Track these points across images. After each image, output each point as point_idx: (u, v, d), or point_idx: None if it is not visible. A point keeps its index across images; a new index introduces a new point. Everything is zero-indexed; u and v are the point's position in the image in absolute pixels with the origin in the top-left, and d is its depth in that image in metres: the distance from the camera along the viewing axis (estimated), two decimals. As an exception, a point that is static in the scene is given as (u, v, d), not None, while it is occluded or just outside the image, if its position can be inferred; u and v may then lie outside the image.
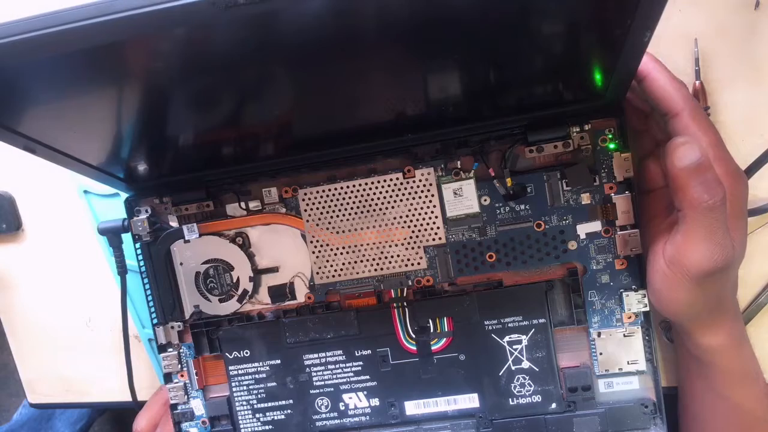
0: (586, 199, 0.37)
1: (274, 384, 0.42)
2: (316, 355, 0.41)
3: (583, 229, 0.38)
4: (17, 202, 0.49)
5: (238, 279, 0.41)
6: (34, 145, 0.33)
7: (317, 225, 0.40)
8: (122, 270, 0.43)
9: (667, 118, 0.32)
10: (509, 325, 0.39)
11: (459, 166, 0.38)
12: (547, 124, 0.36)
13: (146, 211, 0.41)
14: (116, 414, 0.99)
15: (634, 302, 0.37)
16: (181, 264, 0.42)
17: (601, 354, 0.38)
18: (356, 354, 0.41)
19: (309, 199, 0.39)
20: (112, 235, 0.42)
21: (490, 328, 0.39)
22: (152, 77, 0.31)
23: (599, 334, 0.38)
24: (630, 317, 0.38)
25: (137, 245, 0.42)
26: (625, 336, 0.38)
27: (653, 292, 0.35)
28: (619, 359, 0.38)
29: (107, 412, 0.95)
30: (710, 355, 0.35)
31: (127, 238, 0.42)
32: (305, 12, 0.26)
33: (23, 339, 0.51)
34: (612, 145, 0.36)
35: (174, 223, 0.41)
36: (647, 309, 0.37)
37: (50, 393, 0.52)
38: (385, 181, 0.38)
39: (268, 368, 0.42)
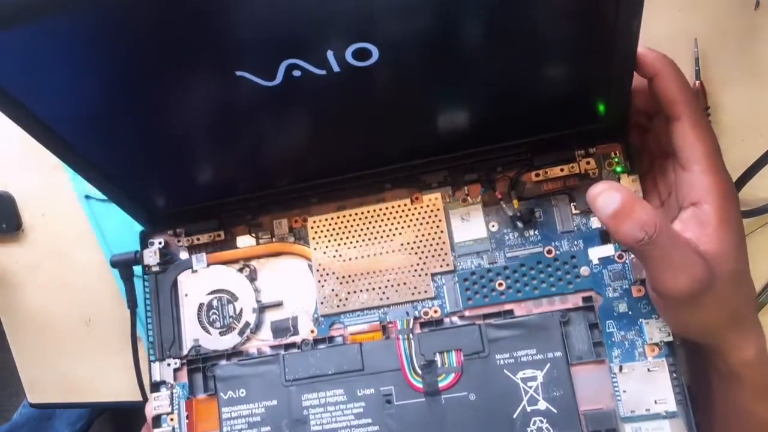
0: (596, 222, 0.37)
1: (268, 428, 0.38)
2: (315, 395, 0.38)
3: (596, 254, 0.36)
4: (17, 202, 0.50)
5: (241, 310, 0.40)
6: (72, 156, 0.35)
7: (324, 253, 0.39)
8: (132, 304, 0.42)
9: (669, 121, 0.33)
10: (522, 359, 0.36)
11: (466, 192, 0.38)
12: (552, 147, 0.37)
13: (159, 243, 0.42)
14: (116, 414, 0.92)
15: (656, 331, 0.35)
16: (186, 295, 0.41)
17: (624, 392, 0.35)
18: (358, 394, 0.38)
19: (317, 227, 0.40)
20: (124, 267, 0.43)
21: (501, 362, 0.36)
22: (187, 108, 0.34)
23: (621, 369, 0.35)
24: (653, 349, 0.35)
25: (146, 277, 0.42)
26: (649, 371, 0.35)
27: (665, 320, 0.34)
28: (646, 398, 0.34)
29: (107, 412, 0.88)
30: (740, 370, 0.32)
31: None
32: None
33: (23, 339, 0.49)
34: (619, 168, 0.37)
35: (184, 255, 0.42)
36: (671, 339, 0.35)
37: (50, 393, 0.49)
38: (393, 207, 0.39)
39: (263, 410, 0.39)
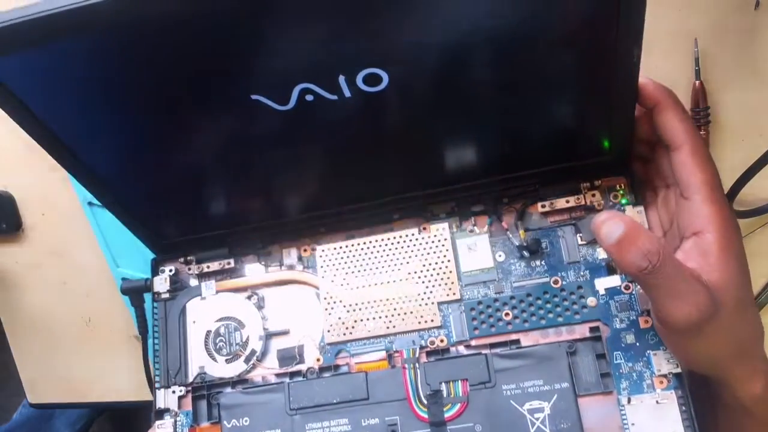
0: (602, 253, 0.37)
1: (270, 459, 0.38)
2: (319, 425, 0.38)
3: (602, 284, 0.36)
4: (17, 202, 0.50)
5: (247, 338, 0.40)
6: (91, 183, 0.37)
7: (332, 281, 0.40)
8: (144, 330, 0.43)
9: (669, 150, 0.34)
10: (529, 390, 0.36)
11: (473, 223, 0.39)
12: (558, 180, 0.38)
13: (170, 271, 0.42)
14: (116, 414, 0.89)
15: (664, 362, 0.34)
16: (194, 322, 0.41)
17: (633, 425, 0.34)
18: (363, 423, 0.37)
19: (326, 255, 0.40)
20: (134, 294, 0.43)
21: (508, 393, 0.36)
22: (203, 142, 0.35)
23: (629, 401, 0.34)
24: (662, 381, 0.34)
25: (155, 304, 0.42)
26: (658, 403, 0.34)
27: (672, 352, 0.34)
28: (655, 431, 0.34)
29: (107, 412, 0.86)
30: (749, 404, 0.32)
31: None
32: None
33: (23, 339, 0.49)
34: (624, 200, 0.37)
35: (194, 283, 0.42)
36: (679, 370, 0.34)
37: (50, 393, 0.48)
38: (401, 236, 0.39)
39: (266, 440, 0.38)
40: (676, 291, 0.30)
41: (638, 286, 0.36)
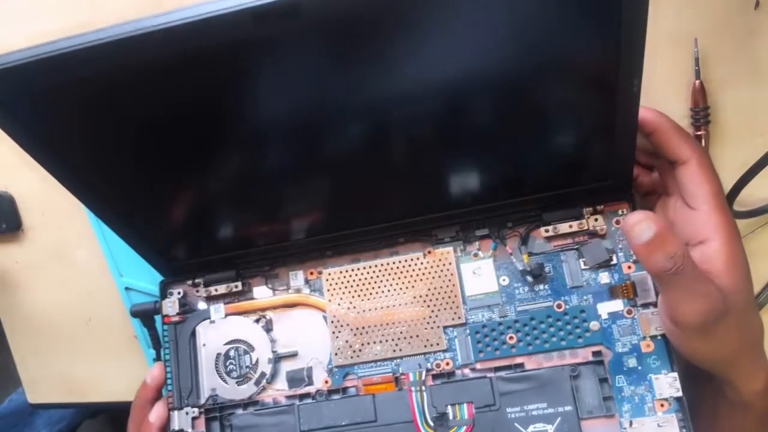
0: (605, 278, 0.38)
1: (281, 481, 0.39)
2: (328, 446, 0.39)
3: (605, 309, 0.37)
4: (17, 202, 0.50)
5: (257, 360, 0.41)
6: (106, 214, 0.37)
7: (338, 305, 0.40)
8: (157, 345, 0.44)
9: (675, 165, 0.35)
10: (533, 413, 0.37)
11: (478, 247, 0.39)
12: (561, 205, 0.38)
13: (178, 294, 0.43)
14: (114, 415, 0.90)
15: (665, 386, 0.35)
16: (204, 345, 0.42)
17: (635, 447, 0.35)
18: (370, 445, 0.38)
19: (332, 279, 0.41)
20: (144, 316, 0.44)
21: (513, 416, 0.37)
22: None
23: (631, 423, 0.35)
24: (663, 405, 0.35)
25: (165, 327, 0.43)
26: (659, 426, 0.35)
27: (679, 350, 0.35)
28: (656, 454, 0.35)
29: (104, 413, 0.87)
30: (750, 399, 0.34)
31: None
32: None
33: (23, 339, 0.49)
34: (626, 225, 0.37)
35: (203, 305, 0.43)
36: (680, 394, 0.35)
37: (50, 393, 0.49)
38: (406, 260, 0.40)
39: (277, 461, 0.39)
40: (692, 292, 0.31)
41: (640, 309, 0.36)
